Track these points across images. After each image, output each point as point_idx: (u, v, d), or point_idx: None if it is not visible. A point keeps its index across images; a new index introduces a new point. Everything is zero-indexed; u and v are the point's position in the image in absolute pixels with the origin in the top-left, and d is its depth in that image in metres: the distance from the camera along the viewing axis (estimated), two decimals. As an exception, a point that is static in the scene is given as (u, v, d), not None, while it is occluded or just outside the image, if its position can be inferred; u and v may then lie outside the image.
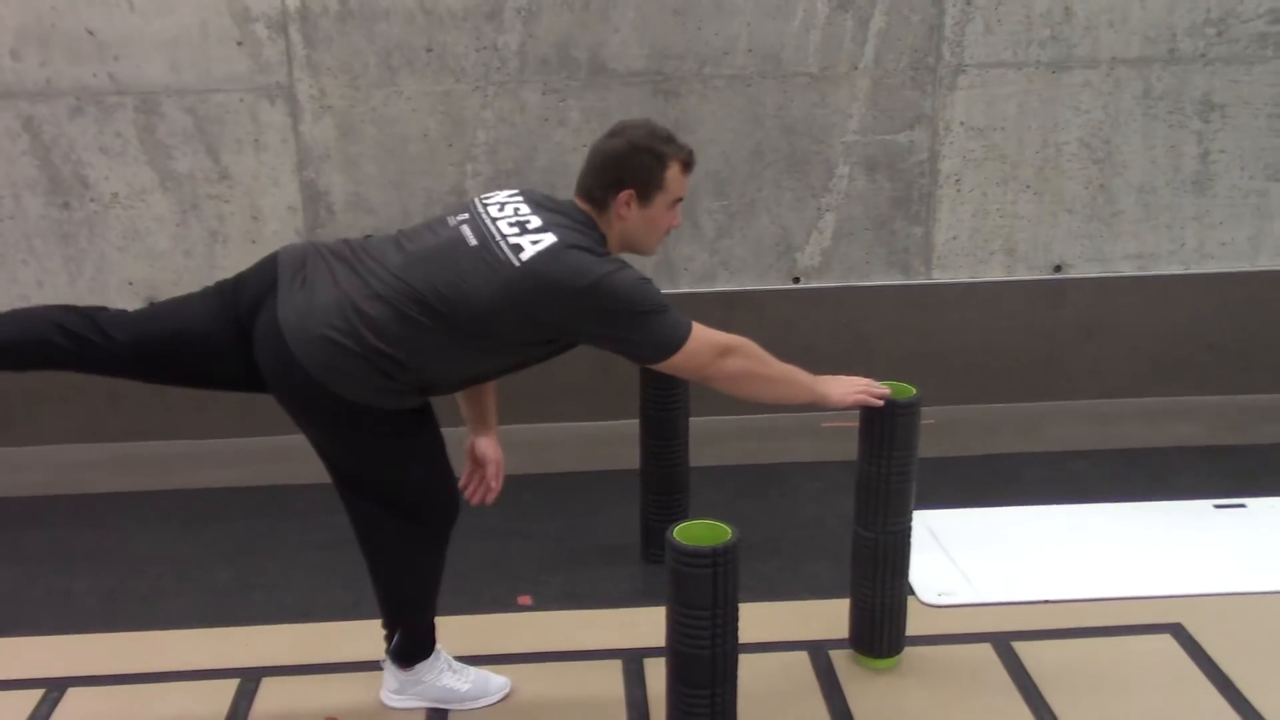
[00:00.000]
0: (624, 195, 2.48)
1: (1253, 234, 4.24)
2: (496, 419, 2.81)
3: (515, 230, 2.42)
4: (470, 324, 2.39)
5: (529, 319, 2.40)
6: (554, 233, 2.41)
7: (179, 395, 4.01)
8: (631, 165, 2.48)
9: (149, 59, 3.81)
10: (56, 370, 2.49)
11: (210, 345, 2.48)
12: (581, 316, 2.40)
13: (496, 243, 2.41)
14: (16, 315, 2.48)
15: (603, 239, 2.50)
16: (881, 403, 2.65)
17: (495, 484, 2.80)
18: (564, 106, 3.95)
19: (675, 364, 2.46)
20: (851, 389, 2.64)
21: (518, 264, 2.37)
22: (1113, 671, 2.85)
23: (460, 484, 2.74)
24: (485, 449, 2.79)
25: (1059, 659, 2.90)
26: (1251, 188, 4.19)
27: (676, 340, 2.43)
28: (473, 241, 2.43)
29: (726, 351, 2.48)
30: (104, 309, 2.52)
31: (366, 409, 2.42)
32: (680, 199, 2.56)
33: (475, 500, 2.80)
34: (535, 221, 2.43)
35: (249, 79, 3.85)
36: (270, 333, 2.40)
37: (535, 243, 2.39)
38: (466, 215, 2.51)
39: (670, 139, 2.53)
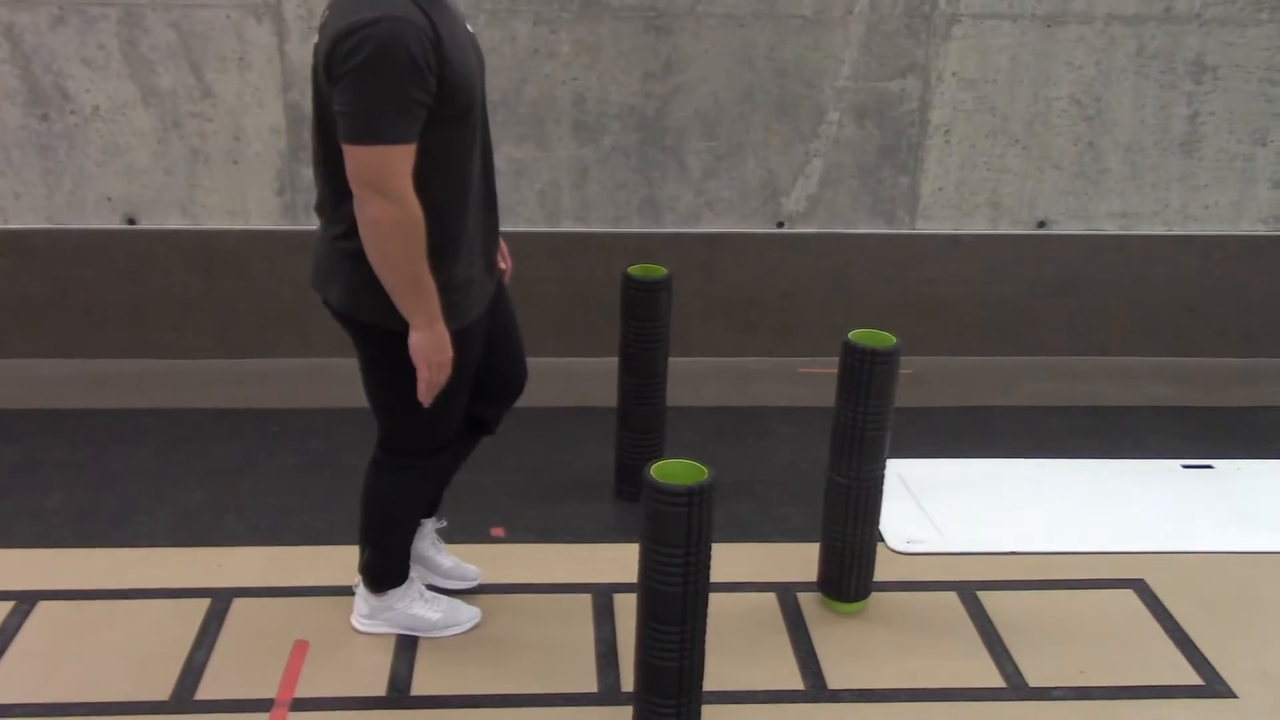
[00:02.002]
0: None
1: (1236, 198, 4.25)
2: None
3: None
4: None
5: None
6: (331, 10, 2.30)
7: (155, 314, 4.04)
8: None
9: (134, -30, 3.74)
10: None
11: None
12: (336, 62, 2.20)
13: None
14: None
15: None
16: (425, 402, 2.44)
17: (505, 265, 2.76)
18: (555, 39, 3.90)
19: (353, 155, 2.22)
20: (430, 358, 2.39)
21: (314, 58, 2.31)
22: (1074, 623, 2.90)
23: None
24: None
25: (1023, 609, 2.94)
26: (1239, 151, 4.19)
27: (372, 135, 2.20)
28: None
29: (393, 199, 2.23)
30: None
31: (372, 328, 2.43)
32: None
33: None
34: (328, 14, 2.32)
35: (235, -4, 3.79)
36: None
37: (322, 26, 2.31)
38: None
39: None
